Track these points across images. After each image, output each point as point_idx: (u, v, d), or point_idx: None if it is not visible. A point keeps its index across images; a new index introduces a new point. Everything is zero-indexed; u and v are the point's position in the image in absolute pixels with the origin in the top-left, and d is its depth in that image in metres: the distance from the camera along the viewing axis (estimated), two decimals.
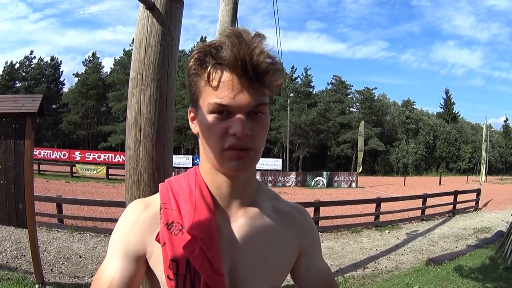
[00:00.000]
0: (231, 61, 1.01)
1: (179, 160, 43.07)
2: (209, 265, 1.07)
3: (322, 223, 13.74)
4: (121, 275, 1.12)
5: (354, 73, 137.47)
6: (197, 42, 67.23)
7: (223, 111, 1.04)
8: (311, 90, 73.78)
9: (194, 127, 1.18)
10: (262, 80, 1.04)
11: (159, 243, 1.12)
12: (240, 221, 1.17)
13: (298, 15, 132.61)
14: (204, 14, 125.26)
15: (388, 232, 14.03)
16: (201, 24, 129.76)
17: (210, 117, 1.05)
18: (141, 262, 1.16)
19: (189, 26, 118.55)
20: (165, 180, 1.28)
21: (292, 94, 63.39)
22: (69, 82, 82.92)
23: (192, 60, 1.08)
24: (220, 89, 1.03)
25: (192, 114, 1.18)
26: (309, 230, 1.31)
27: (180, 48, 3.85)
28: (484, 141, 25.02)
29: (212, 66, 1.04)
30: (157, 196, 1.23)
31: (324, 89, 78.33)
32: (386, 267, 9.78)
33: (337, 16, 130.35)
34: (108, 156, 46.10)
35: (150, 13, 3.42)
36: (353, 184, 37.35)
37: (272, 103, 1.16)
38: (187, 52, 66.19)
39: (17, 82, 67.55)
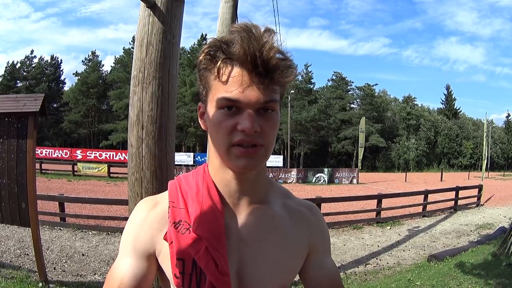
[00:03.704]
0: (240, 56, 1.00)
1: (180, 157, 42.99)
2: (214, 265, 1.07)
3: None
4: (132, 272, 1.13)
5: (356, 69, 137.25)
6: (198, 40, 67.44)
7: (232, 107, 1.02)
8: (311, 86, 73.80)
9: (203, 123, 1.17)
10: (272, 76, 1.02)
11: (167, 241, 1.12)
12: (249, 219, 1.17)
13: (300, 12, 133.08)
14: (206, 11, 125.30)
15: (390, 228, 14.04)
16: (203, 22, 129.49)
17: (219, 113, 1.04)
18: (151, 260, 1.16)
19: (191, 24, 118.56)
20: (175, 178, 1.28)
21: (292, 91, 63.31)
22: (71, 81, 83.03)
23: (203, 54, 1.07)
24: (229, 84, 1.02)
25: (201, 110, 1.17)
26: (320, 229, 1.30)
27: (181, 46, 3.85)
28: (485, 136, 24.86)
29: (222, 61, 1.03)
30: (166, 194, 1.23)
31: (325, 85, 78.41)
32: (387, 263, 9.79)
33: (339, 13, 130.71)
34: (110, 154, 46.09)
35: (151, 12, 3.43)
36: (354, 181, 37.42)
37: (283, 99, 1.15)
38: (188, 50, 66.21)
39: (18, 81, 67.42)
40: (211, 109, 1.07)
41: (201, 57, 1.08)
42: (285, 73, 1.05)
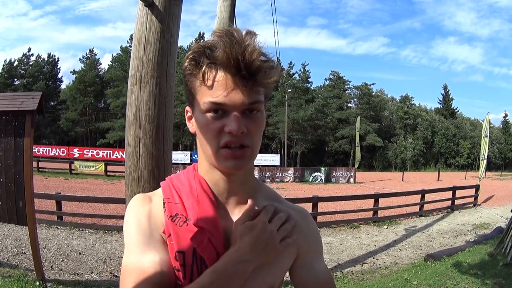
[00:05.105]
0: (224, 60, 1.03)
1: (177, 156, 43.06)
2: (216, 255, 1.10)
3: (320, 218, 13.76)
4: (160, 261, 1.11)
5: (354, 69, 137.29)
6: (195, 39, 67.39)
7: (218, 110, 1.06)
8: (309, 85, 73.66)
9: (191, 126, 1.21)
10: (256, 78, 1.05)
11: (165, 234, 1.14)
12: (236, 218, 1.17)
13: (299, 11, 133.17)
14: (204, 10, 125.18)
15: (387, 228, 14.06)
16: (201, 20, 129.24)
17: (206, 116, 1.08)
18: (166, 247, 1.14)
19: (190, 22, 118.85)
20: (166, 178, 1.29)
21: (290, 90, 63.29)
22: (69, 79, 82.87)
23: (187, 60, 1.10)
24: (214, 88, 1.05)
25: (189, 114, 1.21)
26: (309, 234, 1.29)
27: (179, 44, 3.86)
28: (484, 137, 24.82)
29: (206, 65, 1.06)
30: (157, 192, 1.25)
31: (322, 84, 78.44)
32: (384, 262, 9.81)
33: (338, 12, 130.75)
34: (107, 152, 46.21)
35: (149, 11, 3.42)
36: (351, 180, 37.43)
37: (268, 99, 1.18)
38: (185, 48, 66.20)
39: (15, 79, 67.33)
40: (198, 113, 1.11)
41: (186, 63, 1.11)
42: (268, 74, 1.07)
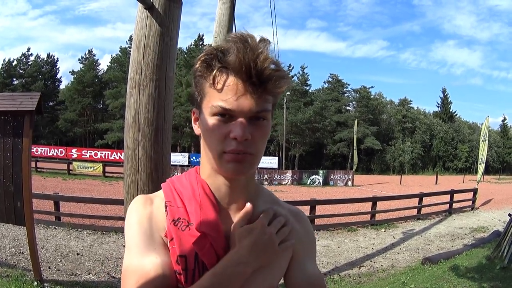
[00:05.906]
0: (236, 65, 1.03)
1: (176, 158, 42.96)
2: (217, 260, 1.11)
3: (318, 221, 13.75)
4: (161, 264, 1.11)
5: (353, 72, 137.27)
6: (195, 40, 67.33)
7: (226, 114, 1.06)
8: (307, 88, 73.70)
9: (197, 128, 1.20)
10: (265, 86, 1.05)
11: (167, 238, 1.14)
12: None
13: (299, 13, 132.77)
14: (204, 11, 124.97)
15: (384, 231, 14.06)
16: (201, 22, 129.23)
17: (213, 119, 1.07)
18: (167, 249, 1.15)
19: (189, 24, 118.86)
20: (167, 180, 1.30)
21: (288, 92, 63.15)
22: (68, 79, 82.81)
23: (199, 62, 1.11)
24: (224, 92, 1.05)
25: (195, 115, 1.20)
26: (304, 236, 1.31)
27: (178, 46, 3.87)
28: (483, 140, 24.78)
29: (218, 69, 1.06)
30: (158, 194, 1.26)
31: (321, 87, 78.39)
32: (382, 265, 9.81)
33: (338, 15, 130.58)
34: (105, 153, 46.13)
35: (148, 13, 3.43)
36: (349, 183, 37.47)
37: (275, 108, 1.18)
38: (184, 50, 66.13)
39: (14, 79, 67.13)
40: (205, 115, 1.11)
41: (197, 65, 1.12)
42: (278, 83, 1.08)
